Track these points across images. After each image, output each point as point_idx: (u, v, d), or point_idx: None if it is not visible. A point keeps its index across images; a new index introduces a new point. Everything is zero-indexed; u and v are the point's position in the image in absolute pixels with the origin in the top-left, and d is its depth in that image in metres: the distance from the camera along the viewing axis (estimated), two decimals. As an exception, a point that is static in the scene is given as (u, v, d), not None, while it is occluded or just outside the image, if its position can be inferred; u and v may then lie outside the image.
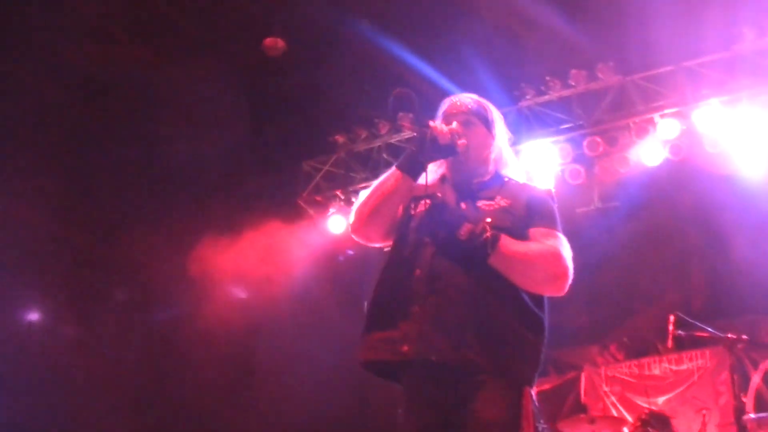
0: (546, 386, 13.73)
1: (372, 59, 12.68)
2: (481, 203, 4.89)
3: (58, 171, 13.58)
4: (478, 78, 12.79)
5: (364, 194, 5.02)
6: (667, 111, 12.61)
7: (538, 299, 4.78)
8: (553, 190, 5.14)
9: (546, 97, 13.28)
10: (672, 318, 9.51)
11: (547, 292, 4.79)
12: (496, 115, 5.24)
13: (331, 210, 14.39)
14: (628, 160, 12.90)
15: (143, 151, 13.59)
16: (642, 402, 13.01)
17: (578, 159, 13.15)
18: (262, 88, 13.62)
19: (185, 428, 14.36)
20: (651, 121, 12.68)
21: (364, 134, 14.33)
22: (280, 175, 14.63)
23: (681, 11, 11.69)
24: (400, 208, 5.01)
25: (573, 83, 13.07)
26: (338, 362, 13.22)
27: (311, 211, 14.63)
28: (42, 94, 12.67)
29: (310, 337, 14.15)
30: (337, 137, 14.46)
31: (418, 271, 4.70)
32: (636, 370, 13.67)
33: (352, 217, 5.03)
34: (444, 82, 12.66)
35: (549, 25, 12.26)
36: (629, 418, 11.97)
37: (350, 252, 14.40)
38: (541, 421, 9.28)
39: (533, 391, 4.70)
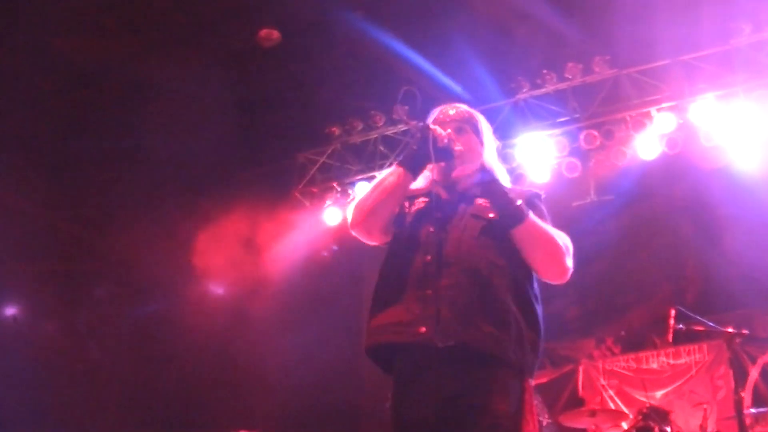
0: (543, 379, 13.75)
1: (366, 51, 12.71)
2: (480, 201, 5.04)
3: (44, 162, 13.62)
4: (473, 71, 12.93)
5: (362, 191, 5.20)
6: (663, 105, 12.61)
7: (536, 294, 4.96)
8: (543, 194, 5.31)
9: (542, 91, 13.28)
10: (672, 312, 9.65)
11: (555, 275, 4.99)
12: (485, 125, 5.43)
13: (327, 202, 14.36)
14: (625, 154, 12.91)
15: (133, 141, 13.52)
16: (640, 396, 13.10)
17: (574, 152, 13.15)
18: (256, 79, 13.57)
19: (174, 421, 14.33)
20: (647, 115, 12.68)
21: (359, 126, 14.31)
22: (275, 167, 14.68)
23: (678, 5, 11.72)
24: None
25: (569, 76, 13.06)
26: (331, 355, 13.64)
27: (307, 203, 14.61)
28: (30, 84, 12.67)
29: (303, 330, 14.15)
30: (332, 129, 14.45)
31: (428, 257, 4.84)
32: (633, 364, 13.76)
33: (352, 213, 5.12)
34: (439, 75, 12.84)
35: (544, 18, 12.24)
36: (627, 412, 12.00)
37: (334, 248, 14.51)
38: (546, 416, 9.32)
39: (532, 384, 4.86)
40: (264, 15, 12.73)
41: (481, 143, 5.33)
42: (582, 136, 13.01)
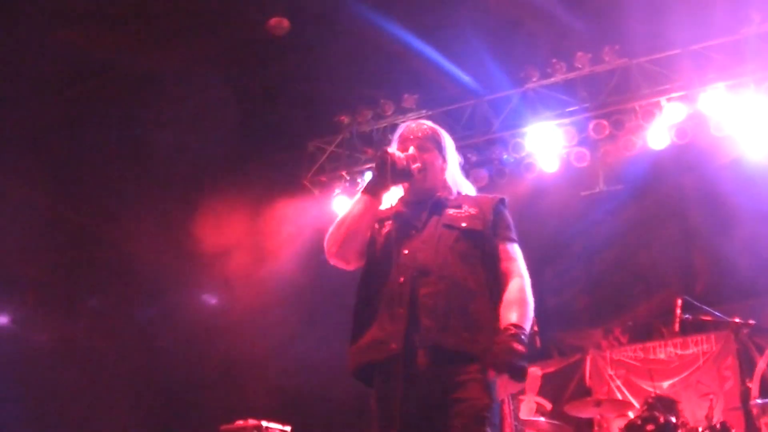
0: (550, 368, 13.84)
1: (376, 40, 12.70)
2: (451, 212, 5.26)
3: (49, 155, 13.55)
4: (483, 60, 12.97)
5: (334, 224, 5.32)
6: (673, 95, 12.61)
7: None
8: (506, 199, 5.43)
9: (551, 80, 13.26)
10: (679, 302, 9.68)
11: None
12: (447, 141, 5.59)
13: (336, 191, 14.40)
14: (634, 143, 12.90)
15: (140, 132, 13.66)
16: (647, 386, 13.08)
17: (583, 142, 13.16)
18: (266, 67, 13.60)
19: (175, 414, 14.45)
20: (657, 105, 12.67)
21: (369, 115, 14.33)
22: (284, 156, 14.67)
23: (688, -6, 11.63)
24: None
25: (579, 66, 13.05)
26: (339, 347, 13.43)
27: (316, 192, 14.65)
28: (35, 76, 12.56)
29: (312, 322, 14.27)
30: (342, 117, 14.48)
31: (401, 278, 5.02)
32: (641, 354, 13.81)
33: (326, 245, 5.30)
34: (448, 65, 12.88)
35: (554, 7, 12.27)
36: (634, 402, 12.05)
37: None
38: (518, 422, 9.35)
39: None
40: (274, 4, 12.82)
41: (444, 159, 5.49)
42: (591, 126, 12.97)
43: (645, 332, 14.00)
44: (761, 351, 12.73)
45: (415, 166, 5.26)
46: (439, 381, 4.84)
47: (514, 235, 5.29)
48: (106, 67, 13.07)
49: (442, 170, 5.46)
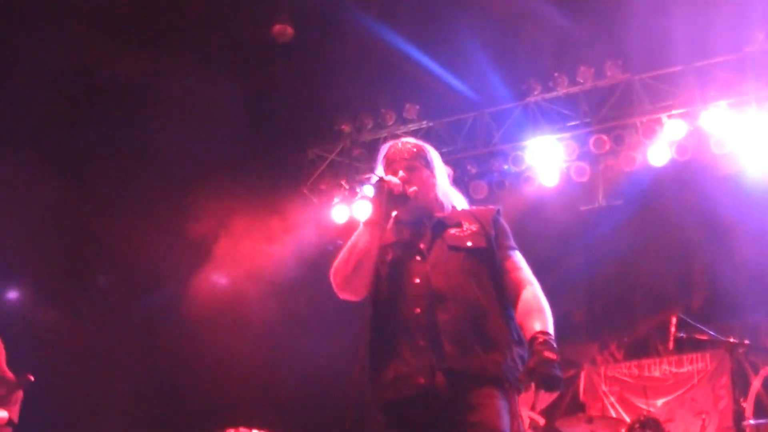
0: (545, 383, 13.77)
1: (378, 50, 12.72)
2: (453, 231, 5.26)
3: (56, 155, 13.53)
4: (485, 72, 13.05)
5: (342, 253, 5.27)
6: (674, 111, 12.59)
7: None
8: (500, 209, 5.45)
9: (553, 94, 13.29)
10: (674, 319, 9.57)
11: None
12: (434, 155, 5.56)
13: (335, 199, 14.37)
14: (634, 159, 12.87)
15: (143, 136, 13.55)
16: (641, 403, 13.07)
17: (584, 156, 13.13)
18: (268, 74, 13.60)
19: (172, 413, 14.34)
20: (658, 121, 12.65)
21: (370, 124, 14.36)
22: (284, 163, 14.67)
23: (691, 11, 11.69)
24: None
25: (581, 80, 13.06)
26: (335, 354, 13.30)
27: (315, 200, 14.63)
28: (41, 79, 12.59)
29: (307, 328, 14.20)
30: (343, 126, 14.50)
31: (417, 309, 5.01)
32: (636, 371, 13.75)
33: (334, 279, 5.23)
34: (450, 76, 13.01)
35: (557, 21, 12.32)
36: (627, 420, 11.95)
37: (340, 242, 14.34)
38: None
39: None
40: (277, 10, 12.90)
41: (433, 175, 5.46)
42: (592, 141, 12.95)
43: (641, 349, 13.93)
44: (756, 370, 12.60)
45: (412, 189, 5.24)
46: (455, 403, 4.86)
47: (514, 243, 5.31)
48: (109, 71, 13.01)
49: (434, 186, 5.43)
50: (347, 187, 14.42)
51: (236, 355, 13.85)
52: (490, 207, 5.50)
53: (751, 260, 12.60)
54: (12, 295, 14.43)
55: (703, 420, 11.40)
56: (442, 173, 5.55)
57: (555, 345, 4.87)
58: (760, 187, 12.32)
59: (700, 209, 13.09)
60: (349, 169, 14.56)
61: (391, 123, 14.21)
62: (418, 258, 5.16)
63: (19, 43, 12.14)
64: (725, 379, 12.74)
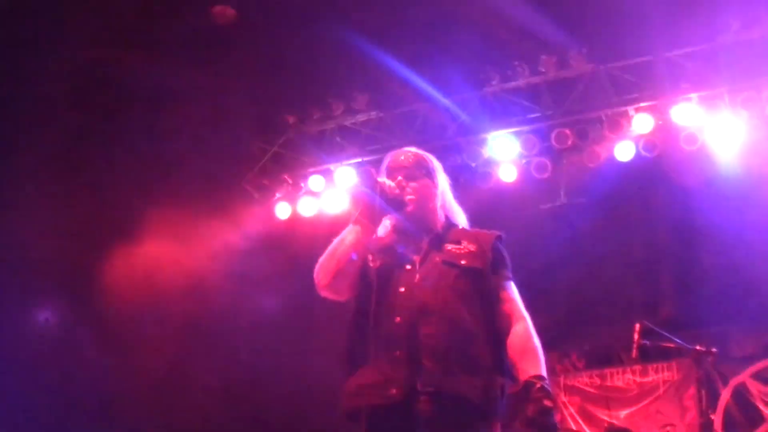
0: (499, 394, 13.57)
1: (326, 37, 12.49)
2: (450, 247, 5.32)
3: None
4: (440, 60, 12.82)
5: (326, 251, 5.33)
6: (642, 104, 12.50)
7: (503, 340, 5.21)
8: (503, 236, 5.51)
9: (513, 84, 13.10)
10: (638, 326, 9.63)
11: None
12: (436, 164, 5.66)
13: (278, 195, 14.28)
14: (599, 155, 12.74)
15: (70, 131, 13.17)
16: (603, 415, 13.17)
17: (545, 151, 13.04)
18: (207, 61, 13.17)
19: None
20: (625, 114, 12.55)
21: (316, 114, 14.11)
22: (223, 156, 14.28)
23: (662, -2, 11.56)
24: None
25: (543, 70, 12.87)
26: (277, 347, 13.94)
27: (256, 195, 14.48)
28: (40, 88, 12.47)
29: (251, 329, 14.18)
30: (287, 116, 14.27)
31: (398, 318, 5.04)
32: (597, 381, 13.76)
33: (317, 276, 5.28)
34: (401, 66, 12.73)
35: (518, 6, 11.92)
36: (588, 432, 11.68)
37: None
38: None
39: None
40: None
41: (435, 185, 5.54)
42: (554, 135, 12.82)
43: (603, 357, 13.97)
44: (726, 381, 12.66)
45: (409, 197, 5.32)
46: (430, 424, 4.86)
47: (511, 274, 5.38)
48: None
49: (434, 197, 5.50)
50: (291, 182, 14.29)
51: (155, 352, 13.67)
52: (493, 231, 5.51)
53: (723, 265, 12.64)
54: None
55: (668, 432, 11.03)
56: (444, 184, 5.66)
57: (551, 391, 4.92)
58: (732, 186, 12.17)
59: (669, 210, 13.23)
60: (293, 162, 14.43)
61: (338, 113, 13.97)
62: (408, 267, 5.24)
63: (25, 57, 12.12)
64: (692, 390, 12.76)
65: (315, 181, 13.94)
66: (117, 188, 13.39)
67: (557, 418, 12.77)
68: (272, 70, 13.39)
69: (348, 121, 14.00)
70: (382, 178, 5.34)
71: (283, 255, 13.73)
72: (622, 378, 13.59)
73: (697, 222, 12.71)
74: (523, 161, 13.14)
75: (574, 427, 13.15)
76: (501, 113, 13.25)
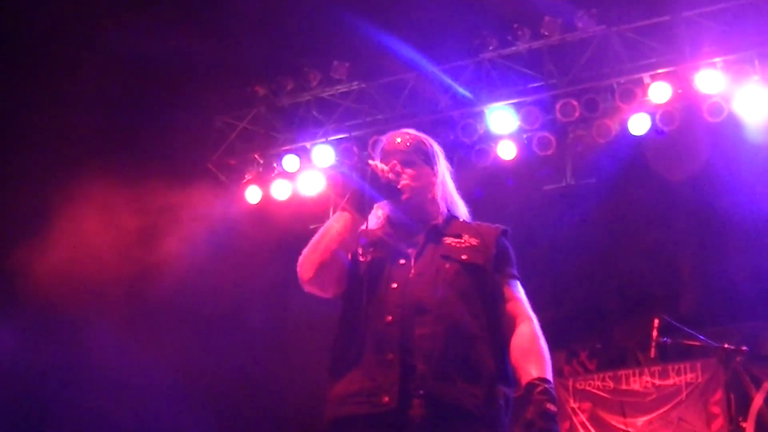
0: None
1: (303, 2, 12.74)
2: (449, 241, 5.21)
3: None
4: (430, 24, 12.95)
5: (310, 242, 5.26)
6: (659, 71, 12.40)
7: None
8: (509, 231, 5.43)
9: (512, 49, 13.08)
10: (656, 322, 9.48)
11: None
12: (437, 150, 5.56)
13: (247, 176, 14.20)
14: (610, 129, 12.59)
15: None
16: (617, 423, 13.19)
17: (548, 125, 12.93)
18: (167, 25, 12.99)
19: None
20: (639, 82, 12.44)
21: (289, 85, 14.10)
22: (185, 133, 14.11)
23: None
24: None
25: (546, 33, 12.84)
26: (246, 359, 14.09)
27: (223, 177, 14.47)
28: None
29: (212, 331, 14.29)
30: (256, 88, 14.22)
31: (389, 317, 4.93)
32: (611, 384, 13.69)
33: (300, 269, 5.18)
34: (386, 31, 12.75)
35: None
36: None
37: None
38: None
39: None
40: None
41: (434, 173, 5.44)
42: (558, 106, 12.70)
43: (617, 358, 13.95)
44: (758, 384, 12.59)
45: (404, 182, 5.23)
46: None
47: (516, 272, 5.30)
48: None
49: (432, 186, 5.40)
50: (262, 161, 14.23)
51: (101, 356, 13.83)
52: (498, 225, 5.43)
53: (752, 252, 12.70)
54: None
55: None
56: (444, 172, 5.54)
57: (555, 394, 4.81)
58: (762, 164, 12.17)
59: (690, 191, 13.10)
60: (264, 139, 14.37)
61: (315, 84, 13.92)
62: (401, 261, 5.13)
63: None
64: (719, 394, 12.76)
65: (289, 161, 13.78)
66: (49, 171, 13.44)
67: (565, 425, 12.91)
68: (240, 35, 13.32)
69: (326, 93, 13.92)
70: (374, 162, 5.24)
71: (253, 244, 13.87)
72: (638, 381, 13.48)
73: (722, 204, 12.67)
74: (524, 137, 13.01)
75: (584, 437, 12.95)
76: (499, 83, 13.15)
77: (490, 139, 13.08)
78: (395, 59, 13.27)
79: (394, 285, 5.02)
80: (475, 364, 4.88)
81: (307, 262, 5.16)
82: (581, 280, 14.25)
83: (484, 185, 12.93)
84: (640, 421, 13.16)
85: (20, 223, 13.35)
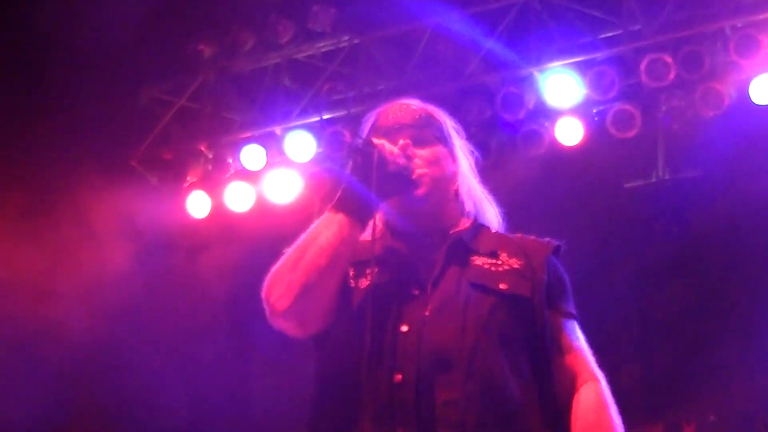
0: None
1: None
2: (479, 260, 4.87)
3: None
4: None
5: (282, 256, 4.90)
6: None
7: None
8: (561, 247, 5.12)
9: None
10: None
11: None
12: (451, 127, 5.25)
13: (190, 178, 13.84)
14: (722, 96, 11.78)
15: None
16: None
17: (629, 93, 12.30)
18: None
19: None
20: (764, 25, 11.56)
21: (249, 42, 13.73)
22: (98, 115, 13.96)
23: None
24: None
25: None
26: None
27: (153, 179, 14.17)
28: None
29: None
30: (200, 46, 13.86)
31: (398, 375, 4.59)
32: None
33: (269, 294, 4.74)
34: None
35: None
36: None
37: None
38: None
39: None
40: None
41: (454, 159, 5.12)
42: (644, 65, 11.97)
43: (742, 430, 13.44)
44: None
45: (422, 171, 4.85)
46: None
47: (574, 308, 4.99)
48: None
49: (453, 177, 5.08)
50: (210, 155, 13.90)
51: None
52: (547, 240, 5.09)
53: None
54: None
55: None
56: (464, 159, 5.21)
57: None
58: None
59: None
60: (213, 123, 14.02)
61: (286, 39, 13.49)
62: (415, 292, 4.73)
63: None
64: None
65: (251, 154, 13.39)
66: None
67: None
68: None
69: (302, 53, 13.60)
70: (380, 141, 4.77)
71: (198, 279, 13.90)
72: (774, 467, 12.94)
73: None
74: (595, 111, 12.48)
75: None
76: (555, 33, 12.63)
77: (543, 115, 12.51)
78: (402, 2, 12.83)
79: (405, 327, 4.65)
80: None
81: (280, 283, 4.72)
82: (681, 315, 13.75)
83: (535, 182, 12.76)
84: None
85: None
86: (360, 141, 4.87)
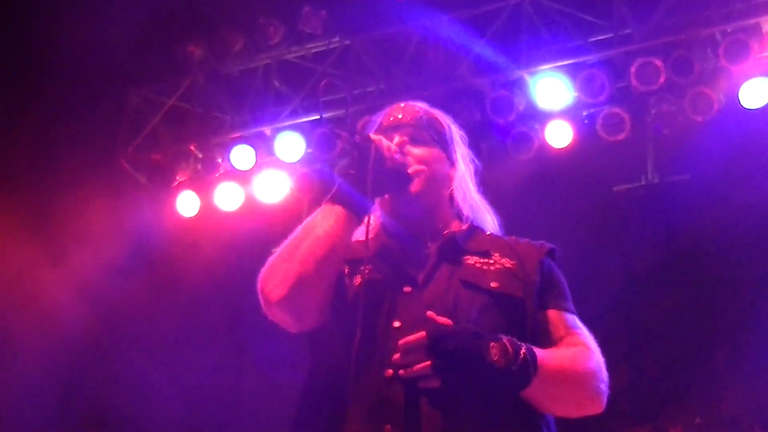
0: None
1: None
2: (471, 259, 4.98)
3: None
4: None
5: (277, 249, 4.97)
6: None
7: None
8: (555, 248, 5.26)
9: None
10: None
11: (586, 413, 4.96)
12: (454, 132, 5.41)
13: (179, 178, 14.03)
14: (711, 101, 12.06)
15: None
16: None
17: (618, 97, 12.55)
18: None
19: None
20: (755, 31, 11.87)
21: (238, 43, 13.95)
22: (86, 116, 14.21)
23: None
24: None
25: None
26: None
27: (142, 179, 14.32)
28: None
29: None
30: (190, 48, 14.05)
31: (389, 371, 4.65)
32: None
33: (264, 286, 4.84)
34: None
35: None
36: None
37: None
38: None
39: None
40: None
41: (452, 162, 5.28)
42: (634, 69, 12.25)
43: None
44: None
45: (417, 168, 5.04)
46: None
47: (571, 303, 5.06)
48: None
49: (449, 179, 5.25)
50: (200, 155, 14.08)
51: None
52: (541, 242, 5.21)
53: None
54: None
55: None
56: (463, 163, 5.36)
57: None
58: None
59: None
60: (202, 123, 14.19)
61: (276, 41, 13.74)
62: (407, 289, 4.82)
63: None
64: None
65: (240, 155, 13.53)
66: None
67: None
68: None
69: (292, 54, 13.79)
70: (377, 136, 4.95)
71: (189, 278, 13.91)
72: (758, 471, 12.93)
73: None
74: (585, 114, 12.73)
75: None
76: (546, 35, 12.92)
77: (533, 118, 12.78)
78: (393, 4, 13.09)
79: (397, 323, 4.72)
80: None
81: (276, 273, 4.80)
82: (671, 323, 14.08)
83: (525, 185, 12.98)
84: None
85: None
86: (358, 136, 4.95)
